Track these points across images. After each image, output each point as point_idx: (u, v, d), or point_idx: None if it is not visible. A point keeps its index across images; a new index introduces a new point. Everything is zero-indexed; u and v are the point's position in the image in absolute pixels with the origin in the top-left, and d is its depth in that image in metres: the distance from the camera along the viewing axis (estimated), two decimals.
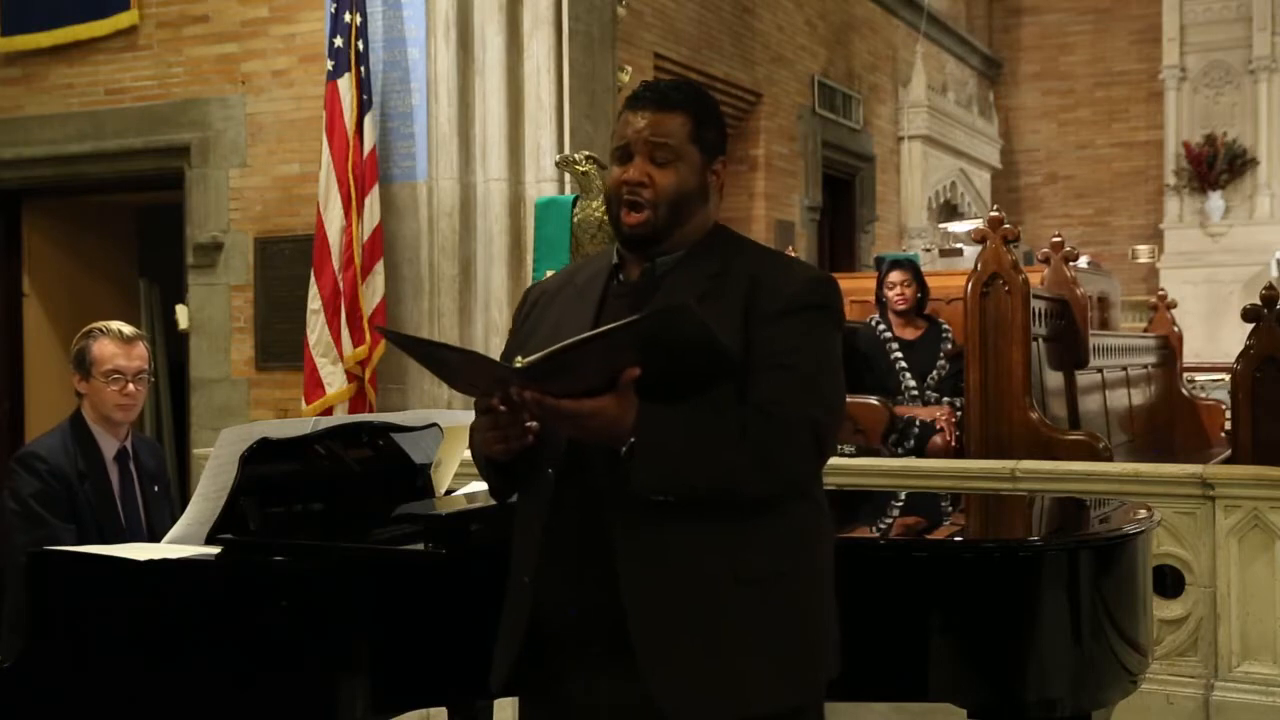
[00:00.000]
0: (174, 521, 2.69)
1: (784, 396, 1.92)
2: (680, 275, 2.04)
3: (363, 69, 5.68)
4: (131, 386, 3.31)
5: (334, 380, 5.60)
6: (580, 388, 1.82)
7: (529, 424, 1.91)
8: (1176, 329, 7.71)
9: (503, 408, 1.87)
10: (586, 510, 1.95)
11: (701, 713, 1.92)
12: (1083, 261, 7.15)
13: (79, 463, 3.24)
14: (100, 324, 3.37)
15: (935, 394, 5.53)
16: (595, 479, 1.93)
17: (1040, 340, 5.31)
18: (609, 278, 2.10)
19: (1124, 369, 6.59)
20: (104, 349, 3.29)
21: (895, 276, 5.65)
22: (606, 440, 1.86)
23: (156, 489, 3.41)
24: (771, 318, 1.96)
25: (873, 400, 5.27)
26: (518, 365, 1.81)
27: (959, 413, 5.32)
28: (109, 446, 3.32)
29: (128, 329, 3.38)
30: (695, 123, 2.05)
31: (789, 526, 1.99)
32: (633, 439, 1.84)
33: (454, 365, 1.99)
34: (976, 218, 12.38)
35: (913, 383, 5.54)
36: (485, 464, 2.07)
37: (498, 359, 1.96)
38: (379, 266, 5.70)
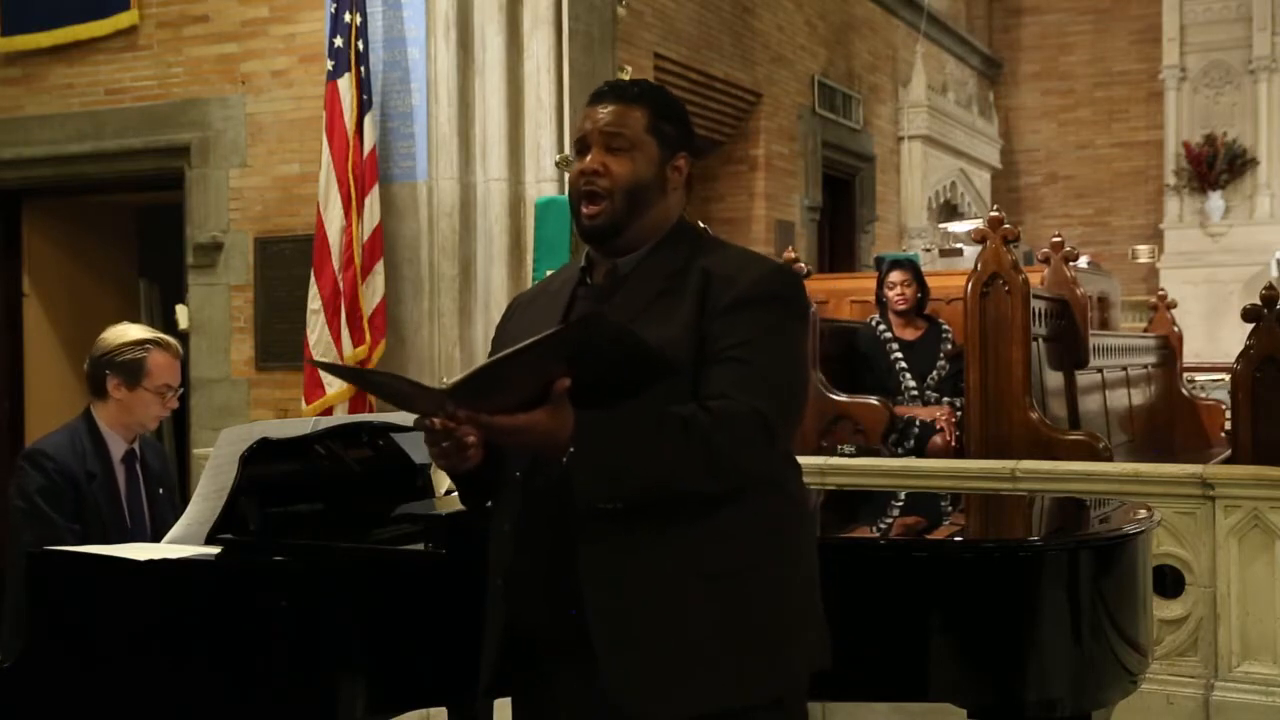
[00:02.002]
0: None
1: (732, 389, 1.92)
2: (642, 274, 2.06)
3: (363, 69, 5.68)
4: (175, 401, 3.38)
5: (334, 380, 5.60)
6: (514, 402, 1.83)
7: (469, 440, 1.89)
8: (1176, 329, 7.71)
9: (439, 426, 1.86)
10: (554, 511, 1.95)
11: (662, 708, 1.92)
12: (1083, 261, 7.15)
13: (88, 462, 3.25)
14: (155, 335, 3.38)
15: (935, 394, 5.53)
16: (561, 480, 1.92)
17: (1040, 340, 5.31)
18: (579, 281, 2.13)
19: (1124, 369, 6.59)
20: (161, 363, 3.31)
21: (895, 276, 5.64)
22: (546, 453, 1.87)
23: (161, 491, 3.43)
24: (724, 311, 1.97)
25: (873, 400, 5.27)
26: (444, 386, 1.83)
27: (959, 413, 5.31)
28: (117, 448, 3.33)
29: (175, 343, 3.42)
30: (653, 115, 2.08)
31: (756, 520, 1.98)
32: (571, 449, 1.85)
33: (390, 389, 2.00)
34: (976, 218, 12.38)
35: (912, 383, 5.54)
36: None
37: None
38: (379, 266, 5.69)
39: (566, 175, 5.45)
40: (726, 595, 1.95)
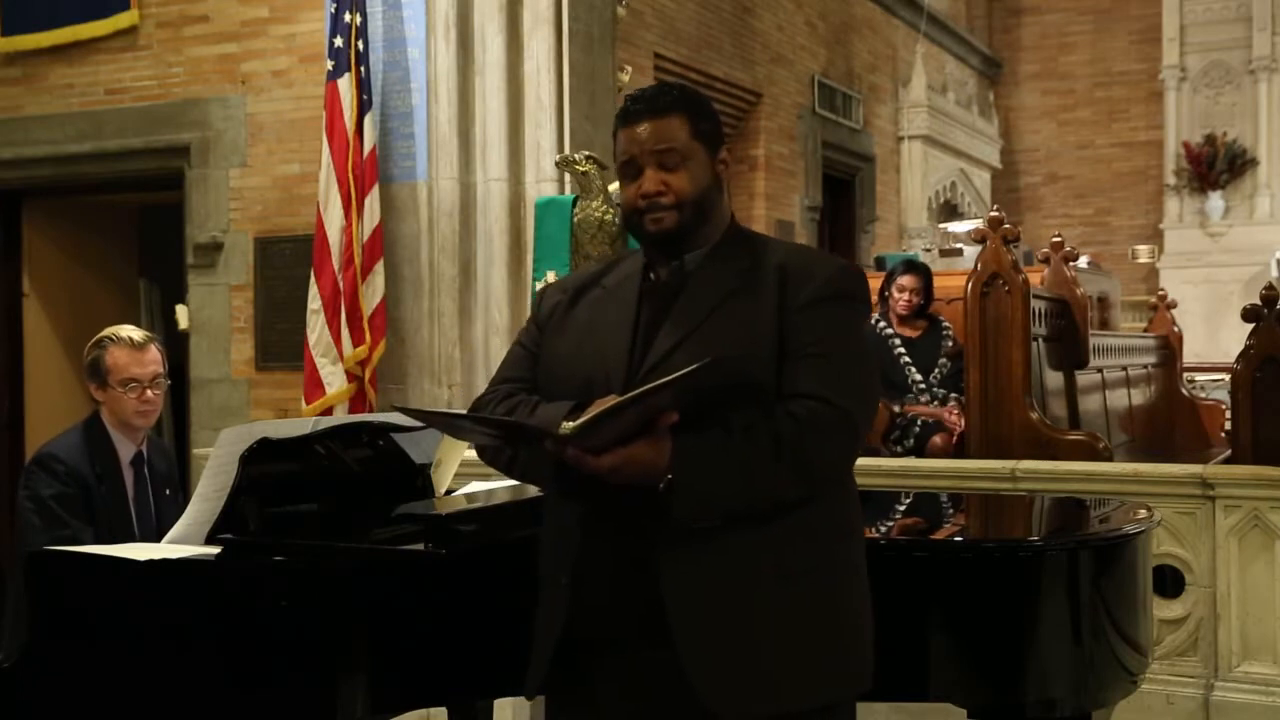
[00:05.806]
0: None
1: (818, 388, 1.93)
2: (708, 271, 2.06)
3: (363, 69, 5.68)
4: (149, 393, 3.31)
5: (334, 380, 5.59)
6: (616, 437, 1.87)
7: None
8: (1176, 329, 7.71)
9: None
10: (625, 511, 1.95)
11: (743, 706, 1.93)
12: (1083, 261, 7.15)
13: (96, 465, 3.25)
14: (110, 331, 3.35)
15: (942, 390, 5.51)
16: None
17: (1040, 340, 5.31)
18: (642, 278, 2.11)
19: (1124, 369, 6.59)
20: (117, 358, 3.28)
21: (906, 281, 5.60)
22: (643, 481, 1.88)
23: (168, 493, 3.43)
24: (803, 306, 1.98)
25: None
26: (565, 431, 1.86)
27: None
28: (125, 450, 3.33)
29: (138, 334, 3.36)
30: (692, 119, 2.07)
31: (827, 518, 2.01)
32: (670, 476, 1.87)
33: (499, 429, 2.03)
34: (976, 218, 12.37)
35: (919, 376, 5.52)
36: None
37: (504, 359, 1.98)
38: (379, 266, 5.69)
39: (567, 175, 5.44)
40: (799, 594, 1.96)
